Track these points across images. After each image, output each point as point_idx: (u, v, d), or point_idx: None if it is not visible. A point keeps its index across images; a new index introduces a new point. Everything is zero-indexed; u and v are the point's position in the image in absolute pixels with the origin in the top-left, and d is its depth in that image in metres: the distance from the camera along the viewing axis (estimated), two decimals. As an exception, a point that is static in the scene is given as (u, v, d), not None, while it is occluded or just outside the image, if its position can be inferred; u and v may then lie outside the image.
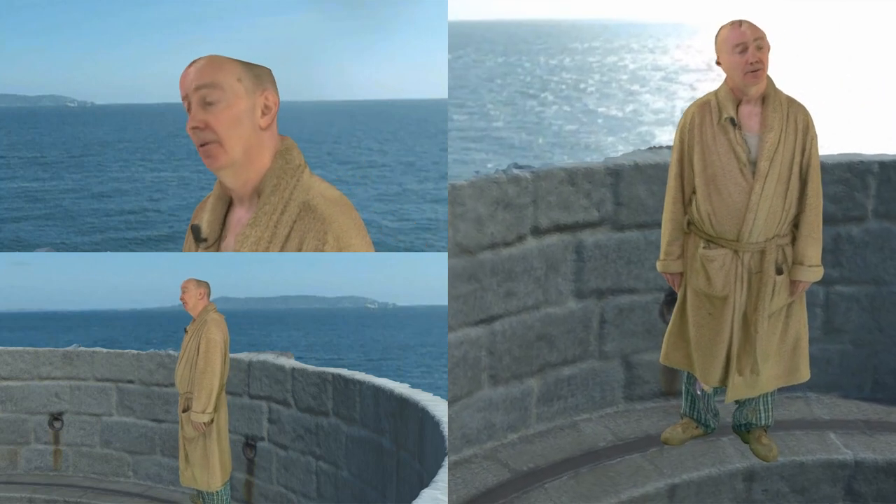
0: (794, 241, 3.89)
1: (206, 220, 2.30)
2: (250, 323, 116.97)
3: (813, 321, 5.20)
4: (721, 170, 3.80)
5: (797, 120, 3.78)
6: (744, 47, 3.73)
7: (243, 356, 6.83)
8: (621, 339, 5.15)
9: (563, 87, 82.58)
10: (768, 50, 3.78)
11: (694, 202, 3.94)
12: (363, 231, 2.16)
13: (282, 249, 2.15)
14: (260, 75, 2.24)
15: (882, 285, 5.27)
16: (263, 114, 2.22)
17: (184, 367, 5.26)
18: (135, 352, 7.67)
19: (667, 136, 49.26)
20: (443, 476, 3.10)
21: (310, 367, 6.39)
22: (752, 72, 3.72)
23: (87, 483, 7.51)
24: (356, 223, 2.15)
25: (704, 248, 3.92)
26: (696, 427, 4.47)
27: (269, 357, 6.76)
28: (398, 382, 5.53)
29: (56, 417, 7.71)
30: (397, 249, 27.41)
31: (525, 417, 4.99)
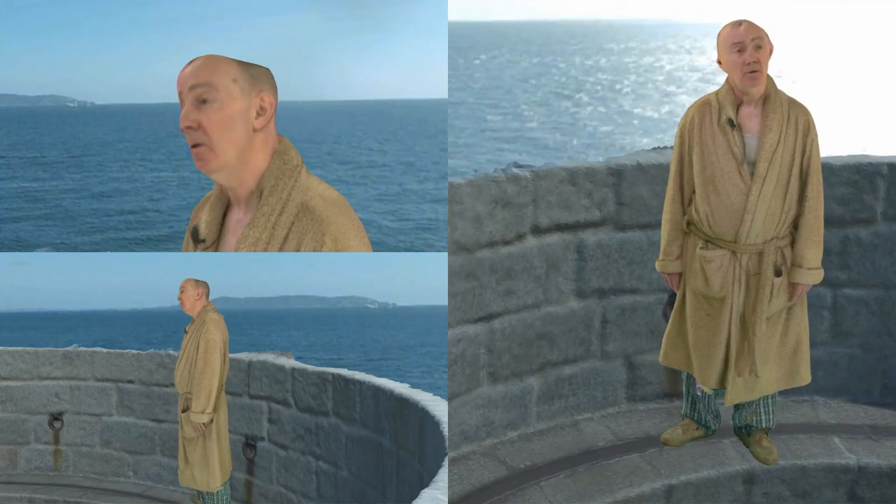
0: (793, 243, 3.87)
1: (204, 220, 2.30)
2: (250, 323, 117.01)
3: (820, 324, 5.17)
4: (719, 170, 3.79)
5: (798, 121, 3.76)
6: (741, 47, 3.71)
7: (243, 356, 6.83)
8: (624, 340, 5.13)
9: (599, 87, 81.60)
10: (770, 51, 3.75)
11: (693, 202, 3.93)
12: (361, 232, 2.16)
13: (280, 250, 2.15)
14: (257, 76, 2.23)
15: (891, 289, 5.18)
16: (258, 115, 2.21)
17: (183, 367, 5.26)
18: (135, 352, 7.66)
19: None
20: (443, 476, 3.10)
21: (310, 367, 6.39)
22: (750, 72, 3.70)
23: (87, 483, 7.50)
24: (354, 224, 2.14)
25: (702, 248, 3.91)
26: (697, 428, 4.46)
27: (269, 357, 6.76)
28: (398, 382, 5.52)
29: (56, 417, 7.71)
30: (397, 249, 27.42)
31: (525, 415, 4.99)
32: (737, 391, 4.02)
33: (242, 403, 6.73)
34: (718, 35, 3.83)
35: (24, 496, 7.22)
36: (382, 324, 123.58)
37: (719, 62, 3.83)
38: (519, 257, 4.77)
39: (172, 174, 45.52)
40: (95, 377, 7.68)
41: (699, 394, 4.31)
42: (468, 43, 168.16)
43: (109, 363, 7.65)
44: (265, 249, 2.15)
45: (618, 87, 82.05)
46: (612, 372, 5.17)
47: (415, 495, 2.82)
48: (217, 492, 5.32)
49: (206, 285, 5.37)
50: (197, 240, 2.30)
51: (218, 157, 2.16)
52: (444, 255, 4.55)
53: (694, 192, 3.91)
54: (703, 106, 3.87)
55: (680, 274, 4.08)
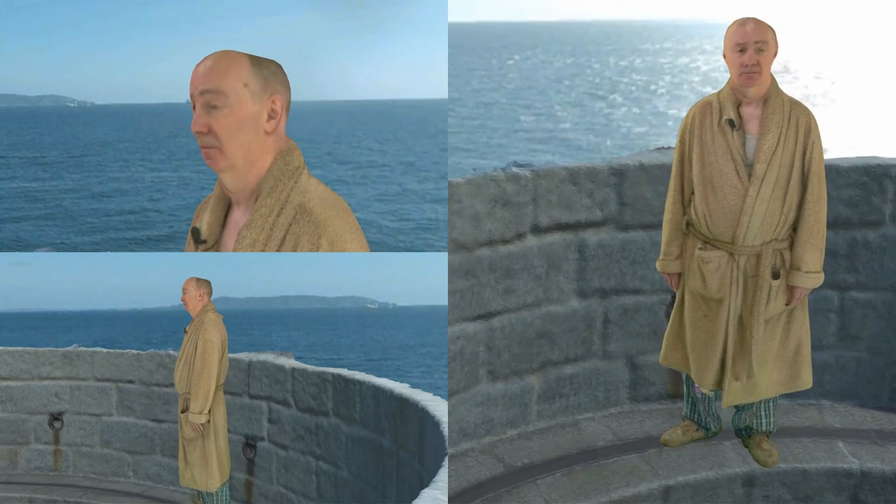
0: (793, 245, 3.84)
1: (205, 221, 2.29)
2: (250, 323, 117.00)
3: (828, 327, 5.12)
4: (718, 171, 3.77)
5: (798, 122, 3.72)
6: (743, 48, 3.69)
7: (243, 356, 6.82)
8: (626, 340, 5.12)
9: (633, 88, 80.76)
10: (774, 54, 3.72)
11: (692, 203, 3.92)
12: (359, 235, 2.15)
13: (277, 251, 2.15)
14: (269, 78, 2.21)
15: None
16: (270, 118, 2.20)
17: (182, 367, 5.26)
18: (135, 352, 7.66)
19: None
20: (443, 476, 3.09)
21: (310, 367, 6.39)
22: (748, 73, 3.68)
23: (87, 483, 7.50)
24: (351, 227, 2.13)
25: (701, 249, 3.90)
26: (697, 430, 4.44)
27: (269, 357, 6.76)
28: (398, 382, 5.52)
29: (56, 417, 7.71)
30: (397, 249, 27.42)
31: (525, 414, 4.98)
32: (734, 393, 4.00)
33: (242, 403, 6.73)
34: (726, 30, 3.80)
35: (24, 496, 7.22)
36: (382, 324, 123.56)
37: (725, 56, 3.81)
38: (519, 256, 4.76)
39: (172, 174, 45.53)
40: (95, 377, 7.68)
41: (699, 395, 4.29)
42: (501, 43, 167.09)
43: (109, 363, 7.65)
44: (262, 250, 2.15)
45: (652, 87, 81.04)
46: (615, 372, 5.16)
47: (415, 495, 2.82)
48: (216, 492, 5.32)
49: (207, 284, 5.36)
50: (198, 240, 2.30)
51: (227, 159, 2.16)
52: (444, 255, 4.55)
53: (693, 192, 3.90)
54: (706, 106, 3.85)
55: (679, 274, 4.07)
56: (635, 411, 5.19)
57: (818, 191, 3.76)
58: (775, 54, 3.74)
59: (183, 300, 5.35)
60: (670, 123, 59.41)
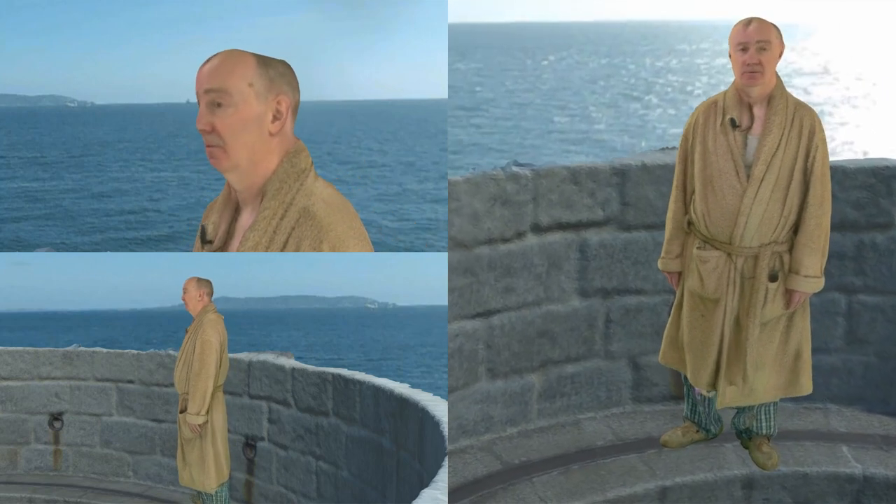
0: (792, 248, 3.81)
1: (213, 221, 2.28)
2: (250, 323, 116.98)
3: (835, 330, 5.06)
4: (718, 171, 3.75)
5: (802, 124, 3.69)
6: (745, 47, 3.68)
7: (243, 356, 6.82)
8: (628, 340, 5.10)
9: (669, 89, 79.57)
10: (779, 53, 3.70)
11: (693, 202, 3.91)
12: (362, 239, 2.13)
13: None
14: (275, 78, 2.20)
15: None
16: (275, 119, 2.18)
17: (182, 367, 5.26)
18: (135, 352, 7.66)
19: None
20: (443, 476, 3.09)
21: (310, 367, 6.38)
22: (749, 72, 3.66)
23: (87, 483, 7.49)
24: (355, 232, 2.12)
25: (699, 248, 3.89)
26: (697, 431, 4.42)
27: (269, 357, 6.75)
28: (398, 382, 5.52)
29: (56, 417, 7.70)
30: (397, 249, 27.42)
31: (525, 412, 4.98)
32: (730, 395, 3.98)
33: (242, 403, 6.72)
34: (731, 30, 3.80)
35: (24, 496, 7.22)
36: (382, 324, 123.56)
37: (729, 56, 3.81)
38: (519, 255, 4.76)
39: (172, 174, 45.48)
40: (95, 377, 7.67)
41: (699, 397, 4.28)
42: (536, 44, 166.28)
43: (109, 363, 7.64)
44: (265, 251, 2.14)
45: (689, 88, 79.72)
46: (617, 372, 5.14)
47: (415, 495, 2.81)
48: (215, 492, 5.32)
49: (208, 284, 5.35)
50: (205, 240, 2.29)
51: (230, 159, 2.15)
52: (444, 255, 4.55)
53: (695, 191, 3.89)
54: (710, 106, 3.84)
55: (680, 273, 4.07)
56: (638, 412, 5.17)
57: (821, 194, 3.71)
58: (780, 54, 3.73)
59: (183, 300, 5.34)
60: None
